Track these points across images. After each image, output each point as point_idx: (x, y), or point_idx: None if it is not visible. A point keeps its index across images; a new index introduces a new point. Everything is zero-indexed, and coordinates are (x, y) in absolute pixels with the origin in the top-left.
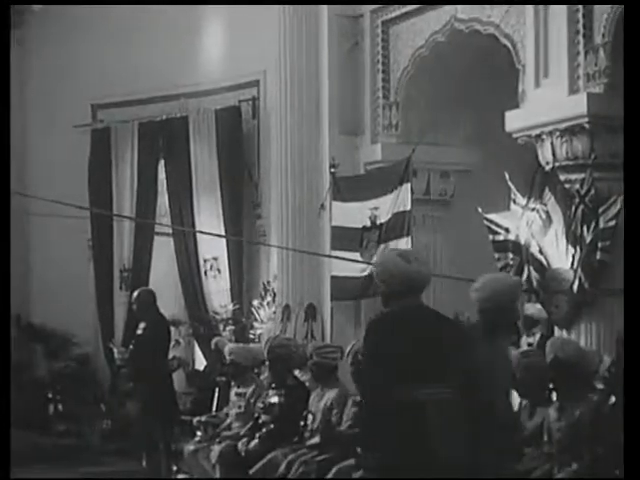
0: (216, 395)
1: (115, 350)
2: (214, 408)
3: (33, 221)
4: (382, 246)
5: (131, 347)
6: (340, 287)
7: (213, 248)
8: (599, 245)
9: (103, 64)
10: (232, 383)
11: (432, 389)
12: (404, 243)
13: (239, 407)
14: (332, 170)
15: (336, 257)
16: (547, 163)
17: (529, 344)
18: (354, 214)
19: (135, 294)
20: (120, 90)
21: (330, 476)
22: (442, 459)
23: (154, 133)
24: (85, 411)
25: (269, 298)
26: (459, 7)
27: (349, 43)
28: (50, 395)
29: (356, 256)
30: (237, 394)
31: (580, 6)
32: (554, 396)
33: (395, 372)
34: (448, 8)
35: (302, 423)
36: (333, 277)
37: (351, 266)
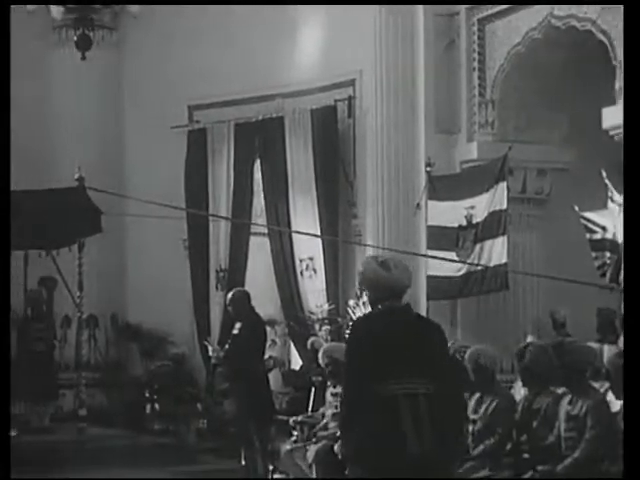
0: (312, 395)
1: (210, 349)
2: (310, 408)
3: (130, 222)
4: (477, 246)
5: (227, 347)
6: (436, 287)
7: (309, 248)
8: None
9: (199, 65)
10: (328, 383)
11: (413, 383)
12: (500, 242)
13: (335, 407)
14: (428, 169)
15: (432, 257)
16: None
17: None
18: (450, 213)
19: (230, 294)
20: (216, 91)
21: None
22: (423, 451)
23: (250, 133)
24: (182, 410)
25: (365, 298)
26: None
27: (445, 41)
28: (147, 394)
29: (452, 255)
30: (333, 394)
31: None
32: None
33: (377, 368)
34: (544, 5)
35: None
36: (429, 277)
37: (447, 265)
